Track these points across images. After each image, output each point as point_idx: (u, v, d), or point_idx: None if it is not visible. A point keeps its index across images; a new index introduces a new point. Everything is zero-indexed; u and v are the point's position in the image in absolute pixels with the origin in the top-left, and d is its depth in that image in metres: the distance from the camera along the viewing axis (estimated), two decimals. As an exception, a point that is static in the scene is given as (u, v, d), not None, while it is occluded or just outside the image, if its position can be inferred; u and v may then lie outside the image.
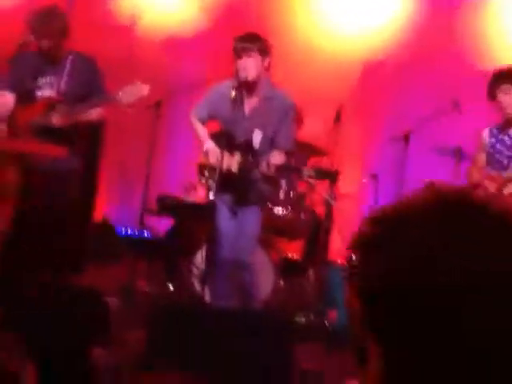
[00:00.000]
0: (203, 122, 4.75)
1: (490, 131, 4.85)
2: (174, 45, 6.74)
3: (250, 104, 4.55)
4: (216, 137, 4.65)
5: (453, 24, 6.36)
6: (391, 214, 1.02)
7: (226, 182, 4.53)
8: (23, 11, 5.74)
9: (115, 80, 4.74)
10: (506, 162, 4.77)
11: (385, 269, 0.97)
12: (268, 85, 4.53)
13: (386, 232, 1.00)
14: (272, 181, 4.71)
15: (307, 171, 4.33)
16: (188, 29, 6.73)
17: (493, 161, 4.80)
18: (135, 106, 4.48)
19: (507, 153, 4.77)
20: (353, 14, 6.60)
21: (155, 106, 5.06)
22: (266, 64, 4.48)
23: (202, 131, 4.74)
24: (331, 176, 4.53)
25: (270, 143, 4.53)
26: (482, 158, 4.87)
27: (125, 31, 6.76)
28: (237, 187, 4.60)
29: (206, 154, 4.62)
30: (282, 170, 4.43)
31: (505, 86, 4.69)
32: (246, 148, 4.50)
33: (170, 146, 6.52)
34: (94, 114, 4.75)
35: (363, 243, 1.02)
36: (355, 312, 1.01)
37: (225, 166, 4.48)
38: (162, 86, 5.69)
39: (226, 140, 4.52)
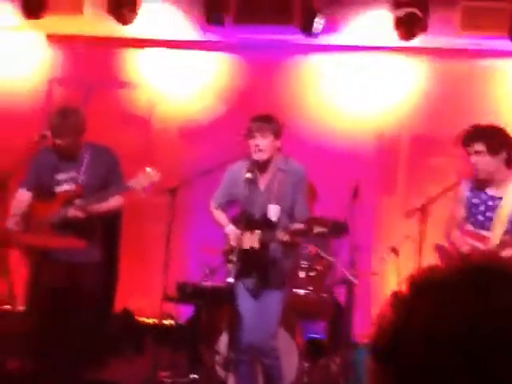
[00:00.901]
0: (223, 209, 4.77)
1: (467, 184, 4.57)
2: (190, 132, 6.79)
3: (264, 180, 4.61)
4: (236, 219, 4.65)
5: (464, 95, 6.33)
6: (429, 281, 1.07)
7: (248, 263, 4.49)
8: (40, 112, 5.96)
9: (132, 169, 4.74)
10: (482, 219, 4.47)
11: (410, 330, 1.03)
12: (280, 158, 4.59)
13: (420, 297, 1.06)
14: (292, 255, 4.63)
15: (317, 228, 4.27)
16: (202, 116, 6.76)
17: (470, 216, 4.51)
18: (149, 192, 4.51)
19: (487, 213, 4.46)
20: (365, 91, 6.60)
21: (171, 193, 5.03)
22: (278, 145, 4.55)
23: (222, 218, 4.75)
24: (341, 228, 4.46)
25: (288, 215, 4.54)
26: (460, 211, 4.57)
27: (141, 121, 6.81)
28: (258, 267, 4.54)
29: (228, 238, 4.62)
30: (296, 234, 4.40)
31: (478, 147, 4.36)
32: (265, 223, 4.51)
33: (187, 231, 6.48)
34: (112, 203, 4.74)
35: (397, 304, 1.07)
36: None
37: (246, 246, 4.46)
38: (178, 172, 5.75)
39: (244, 220, 4.53)
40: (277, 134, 4.54)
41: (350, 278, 5.23)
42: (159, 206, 5.30)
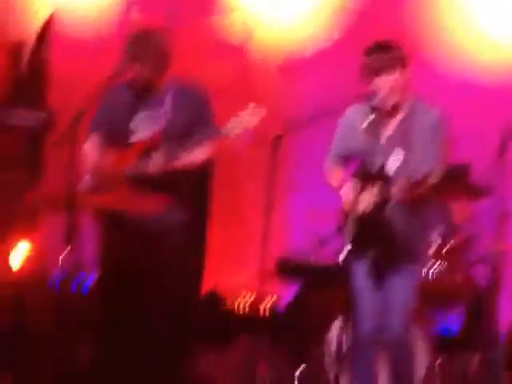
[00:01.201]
0: (342, 163, 4.49)
1: None
2: (295, 66, 6.63)
3: (389, 129, 4.31)
4: (356, 175, 4.37)
5: None
6: None
7: (366, 231, 4.23)
8: (116, 39, 5.74)
9: (225, 110, 4.52)
10: None
11: None
12: (410, 99, 4.27)
13: None
14: (419, 221, 4.31)
15: (433, 178, 3.90)
16: (311, 46, 6.60)
17: None
18: (248, 139, 4.34)
19: None
20: None
21: (274, 142, 4.69)
22: (406, 77, 4.21)
23: (339, 177, 4.43)
24: (461, 173, 3.92)
25: (414, 167, 4.19)
26: None
27: (235, 51, 6.73)
28: (379, 236, 4.25)
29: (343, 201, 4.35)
30: (408, 188, 4.07)
31: None
32: (381, 178, 4.22)
33: (292, 192, 6.37)
34: (199, 155, 4.49)
35: None
36: None
37: (362, 207, 4.19)
38: (280, 117, 5.43)
39: (360, 177, 4.26)
40: (403, 67, 4.20)
41: (496, 253, 4.98)
42: (257, 160, 5.12)
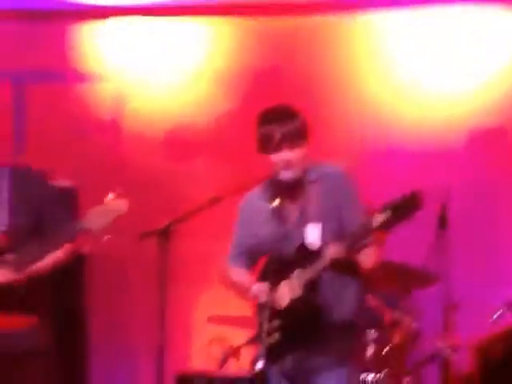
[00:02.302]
0: (246, 264, 4.54)
1: None
2: (182, 141, 6.71)
3: (296, 207, 4.43)
4: (264, 273, 4.43)
5: None
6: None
7: (291, 330, 4.25)
8: None
9: (99, 197, 4.41)
10: None
11: None
12: (310, 166, 4.41)
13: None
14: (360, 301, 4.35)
15: (378, 218, 4.03)
16: (199, 117, 6.68)
17: None
18: (113, 232, 4.28)
19: None
20: (449, 62, 6.54)
21: (162, 234, 4.75)
22: (306, 148, 4.34)
23: (243, 277, 4.48)
24: (413, 205, 4.02)
25: (337, 233, 4.33)
26: None
27: (106, 127, 6.76)
28: (309, 331, 4.26)
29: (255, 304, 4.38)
30: (351, 243, 4.21)
31: None
32: (303, 256, 4.29)
33: (189, 295, 6.36)
34: (58, 256, 4.48)
35: None
36: None
37: (284, 302, 4.25)
38: (167, 203, 5.76)
39: (272, 268, 4.33)
40: (304, 135, 4.32)
41: (445, 351, 5.16)
42: (142, 258, 5.17)
